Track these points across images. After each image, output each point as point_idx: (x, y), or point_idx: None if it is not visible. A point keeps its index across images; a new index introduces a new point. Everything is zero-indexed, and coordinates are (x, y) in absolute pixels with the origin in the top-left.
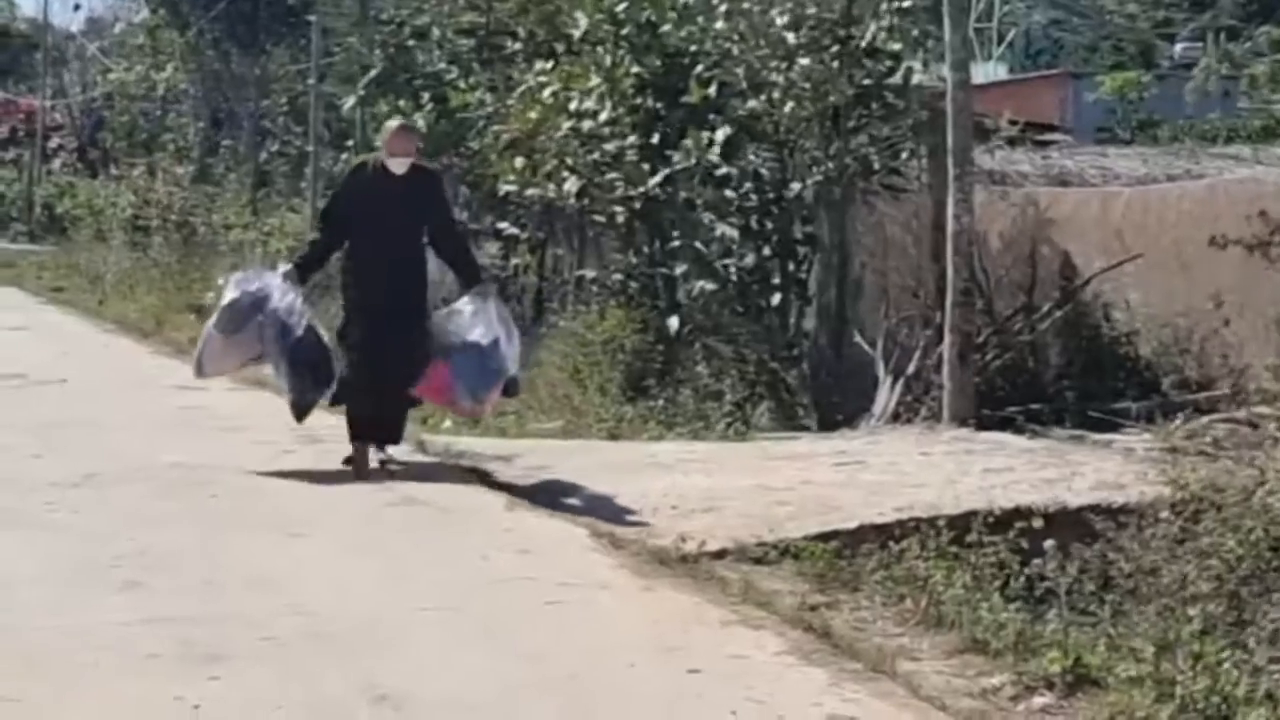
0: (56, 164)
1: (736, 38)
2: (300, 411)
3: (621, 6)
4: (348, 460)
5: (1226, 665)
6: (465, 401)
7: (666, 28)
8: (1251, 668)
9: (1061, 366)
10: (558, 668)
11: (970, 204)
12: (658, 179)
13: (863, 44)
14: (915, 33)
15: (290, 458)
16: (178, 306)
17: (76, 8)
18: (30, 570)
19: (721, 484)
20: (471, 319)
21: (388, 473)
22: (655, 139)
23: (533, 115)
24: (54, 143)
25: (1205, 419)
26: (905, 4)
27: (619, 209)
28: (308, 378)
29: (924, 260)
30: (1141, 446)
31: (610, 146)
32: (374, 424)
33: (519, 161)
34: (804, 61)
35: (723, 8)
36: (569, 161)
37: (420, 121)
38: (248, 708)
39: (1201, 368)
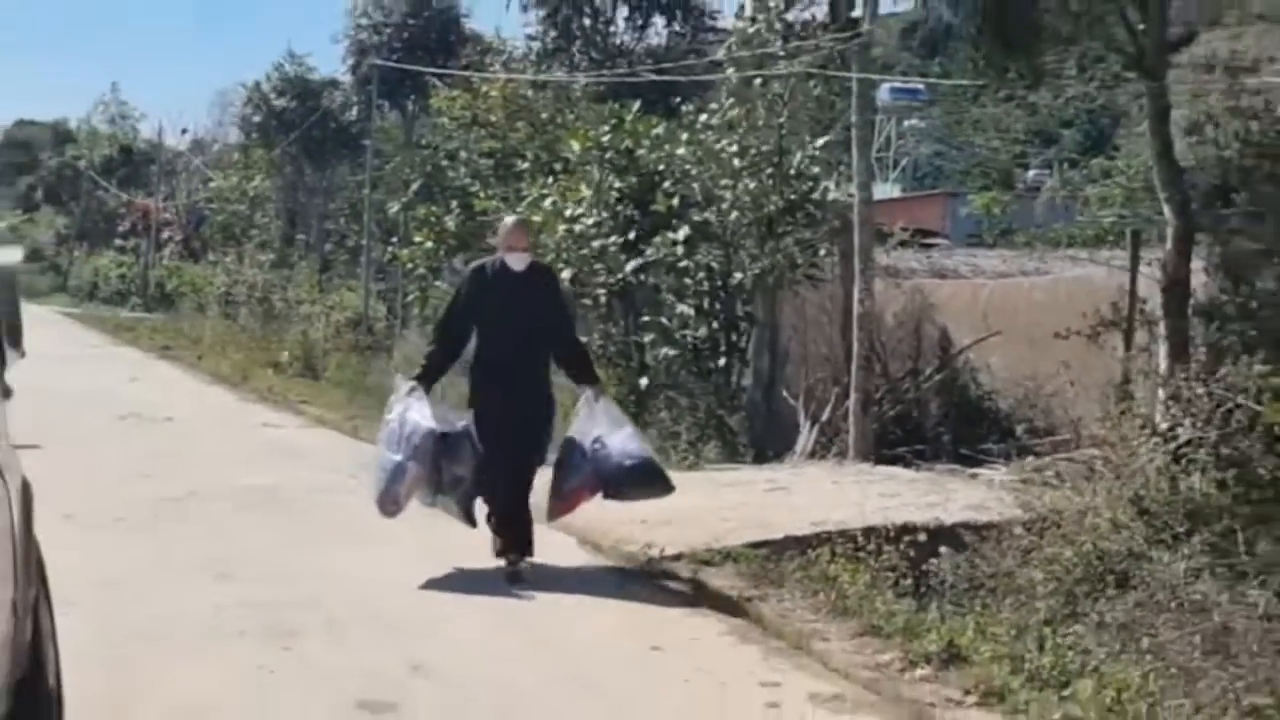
0: (166, 251)
1: (694, 161)
2: (470, 516)
3: (606, 136)
4: (503, 563)
5: (1064, 646)
6: (547, 500)
7: (641, 153)
8: (1083, 649)
9: (939, 417)
10: (552, 640)
11: (871, 291)
12: (632, 268)
13: (791, 169)
14: (830, 161)
15: (349, 481)
16: (260, 363)
17: (184, 131)
18: (144, 565)
19: (678, 504)
20: (583, 418)
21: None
22: (631, 238)
23: (537, 219)
24: (165, 235)
25: (1049, 458)
26: (823, 140)
27: (601, 291)
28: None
29: (835, 334)
30: (1000, 478)
31: (596, 244)
32: (506, 521)
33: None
34: (746, 181)
35: (684, 138)
36: (564, 255)
37: (450, 223)
38: (311, 673)
39: (1047, 419)
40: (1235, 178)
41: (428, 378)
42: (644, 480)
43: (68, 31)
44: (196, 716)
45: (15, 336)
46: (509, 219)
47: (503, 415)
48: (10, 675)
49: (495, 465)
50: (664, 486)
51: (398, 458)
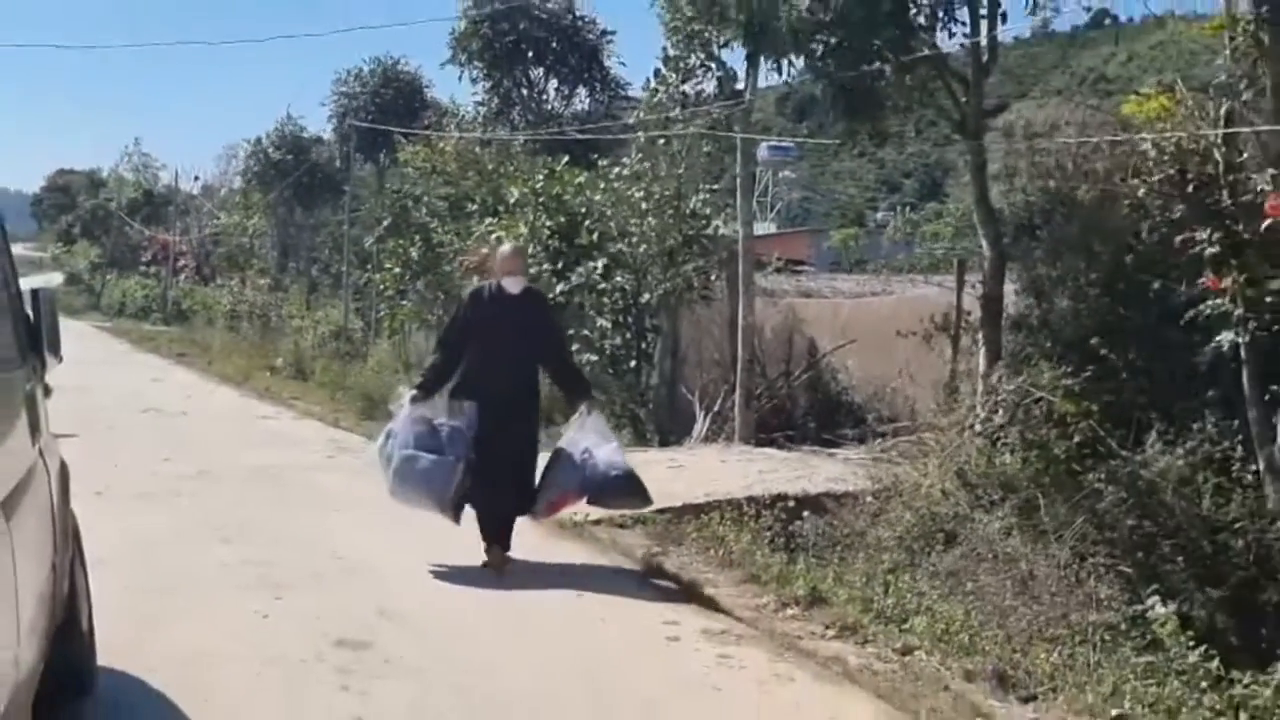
0: (181, 276)
1: (610, 204)
2: (456, 513)
3: (539, 184)
4: (485, 564)
5: (904, 590)
6: (542, 501)
7: (567, 197)
8: (919, 592)
9: (806, 408)
10: (494, 588)
11: (752, 308)
12: (560, 289)
13: (688, 210)
14: (719, 204)
15: (331, 461)
16: (258, 367)
17: (196, 179)
18: (163, 531)
19: None
20: (574, 430)
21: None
22: (559, 266)
23: (484, 251)
24: (180, 263)
25: (892, 440)
26: (713, 187)
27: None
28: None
29: (724, 342)
30: (854, 457)
31: (531, 271)
32: (493, 520)
33: (475, 279)
34: (651, 220)
35: (602, 185)
36: None
37: (414, 253)
38: (299, 616)
39: (891, 409)
40: (1037, 218)
41: (428, 388)
42: (626, 491)
43: (100, 96)
44: (203, 652)
45: (55, 345)
46: (505, 246)
47: (498, 425)
48: (51, 622)
49: (489, 468)
50: (643, 499)
51: (450, 458)
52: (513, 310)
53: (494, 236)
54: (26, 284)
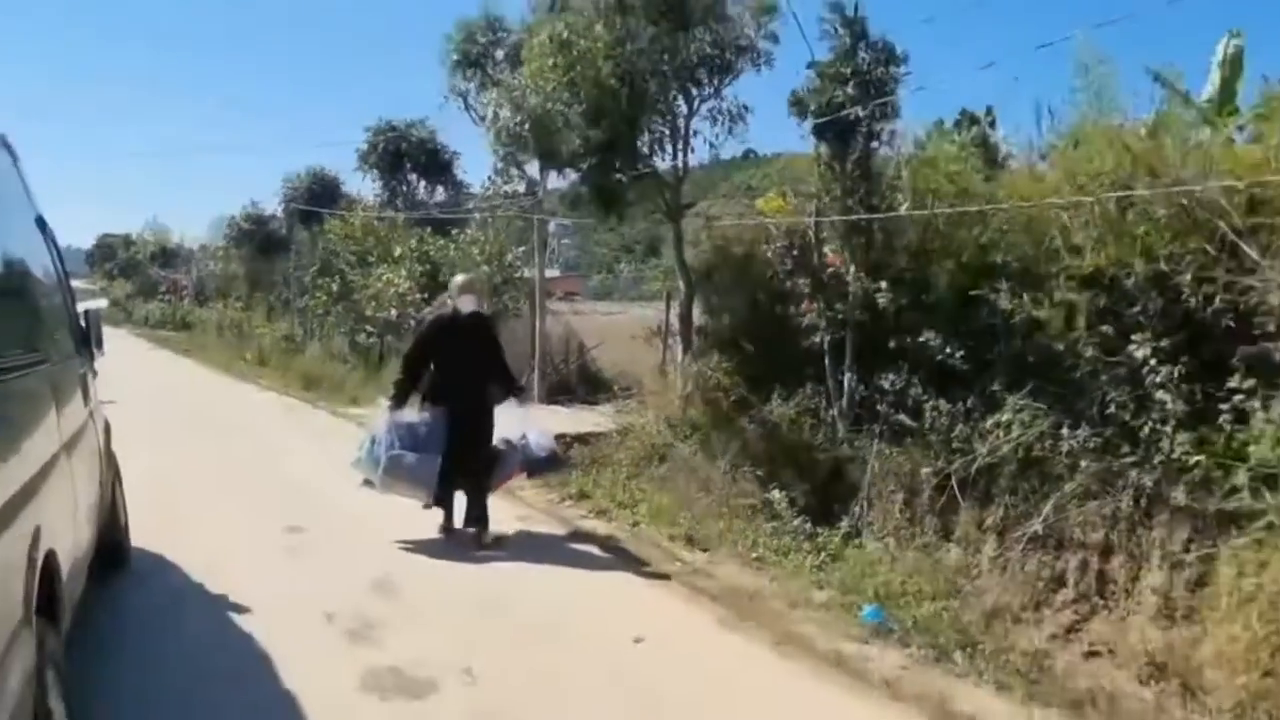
0: (185, 301)
1: (458, 258)
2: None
3: (414, 245)
4: (443, 529)
5: (635, 489)
6: (496, 477)
7: (432, 254)
8: (642, 489)
9: (579, 381)
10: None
11: (544, 322)
12: (425, 311)
13: (506, 261)
14: (524, 258)
15: (282, 415)
16: (236, 359)
17: (198, 243)
18: (175, 462)
19: None
20: (510, 420)
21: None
22: (426, 295)
23: (379, 285)
24: (184, 293)
25: (629, 400)
26: (522, 248)
27: (412, 323)
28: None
29: (527, 342)
30: (607, 411)
31: (408, 299)
32: (452, 502)
33: (373, 304)
34: (484, 267)
35: (452, 247)
36: (392, 304)
37: (334, 287)
38: (310, 544)
39: (628, 381)
40: (711, 269)
41: (400, 398)
42: (552, 465)
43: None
44: (198, 535)
45: (100, 344)
46: (458, 277)
47: (460, 422)
48: (100, 518)
49: (463, 460)
50: (564, 467)
51: (432, 454)
52: (467, 333)
53: (385, 279)
54: (81, 306)
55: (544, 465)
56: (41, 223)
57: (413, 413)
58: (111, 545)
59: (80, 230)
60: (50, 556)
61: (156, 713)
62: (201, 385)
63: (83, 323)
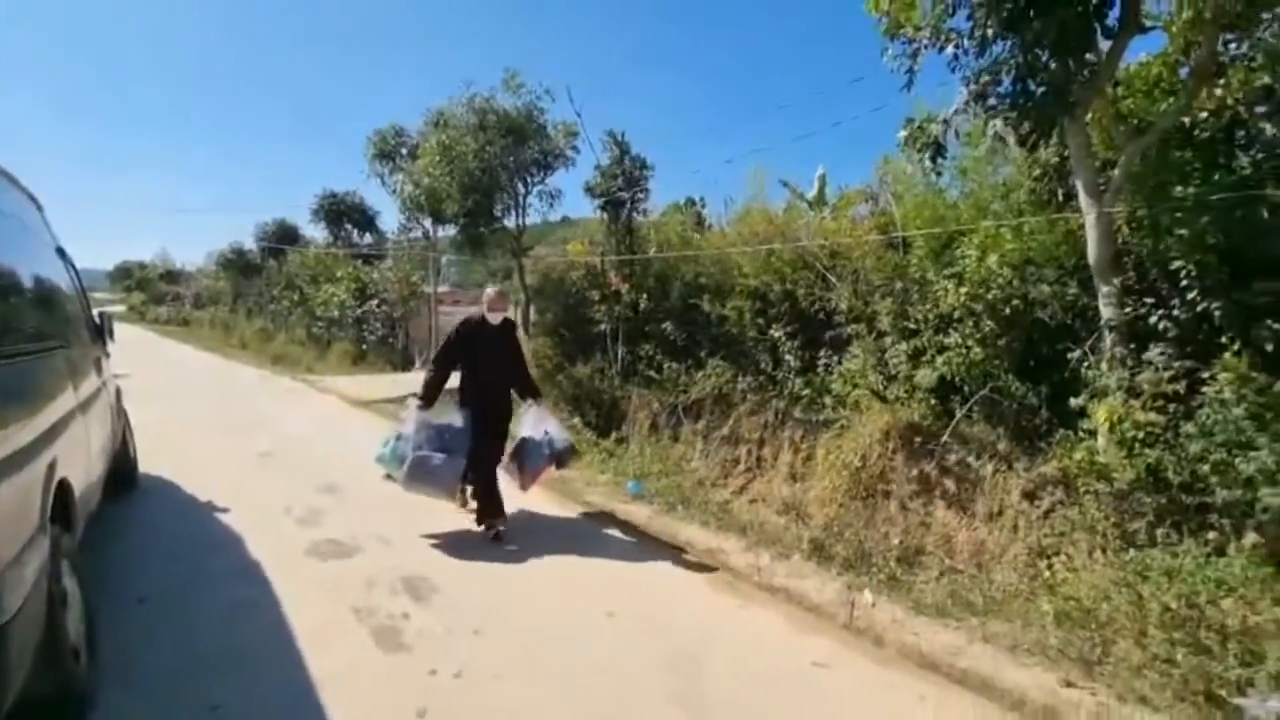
0: (188, 306)
1: (381, 281)
2: (462, 497)
3: (350, 271)
4: (491, 533)
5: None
6: (518, 477)
7: (361, 276)
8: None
9: None
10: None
11: (437, 319)
12: (359, 313)
13: (413, 281)
14: (424, 278)
15: (259, 384)
16: (225, 345)
17: (195, 267)
18: (177, 415)
19: (374, 385)
20: (531, 420)
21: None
22: (359, 303)
23: (325, 296)
24: (187, 302)
25: None
26: (422, 272)
27: (350, 320)
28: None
29: (426, 333)
30: None
31: (347, 307)
32: (489, 493)
33: (322, 308)
34: (396, 285)
35: (375, 274)
36: (334, 309)
37: (295, 296)
38: (275, 463)
39: None
40: (542, 287)
41: (428, 398)
42: (571, 455)
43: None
44: (197, 462)
45: (110, 335)
46: (490, 289)
47: (484, 422)
48: (111, 451)
49: (479, 455)
50: (577, 456)
51: (458, 456)
52: (493, 338)
53: (330, 293)
54: (97, 310)
55: (567, 457)
56: (61, 252)
57: (442, 414)
58: (124, 473)
59: (98, 254)
60: (64, 482)
61: (154, 566)
62: (196, 361)
63: (98, 321)
